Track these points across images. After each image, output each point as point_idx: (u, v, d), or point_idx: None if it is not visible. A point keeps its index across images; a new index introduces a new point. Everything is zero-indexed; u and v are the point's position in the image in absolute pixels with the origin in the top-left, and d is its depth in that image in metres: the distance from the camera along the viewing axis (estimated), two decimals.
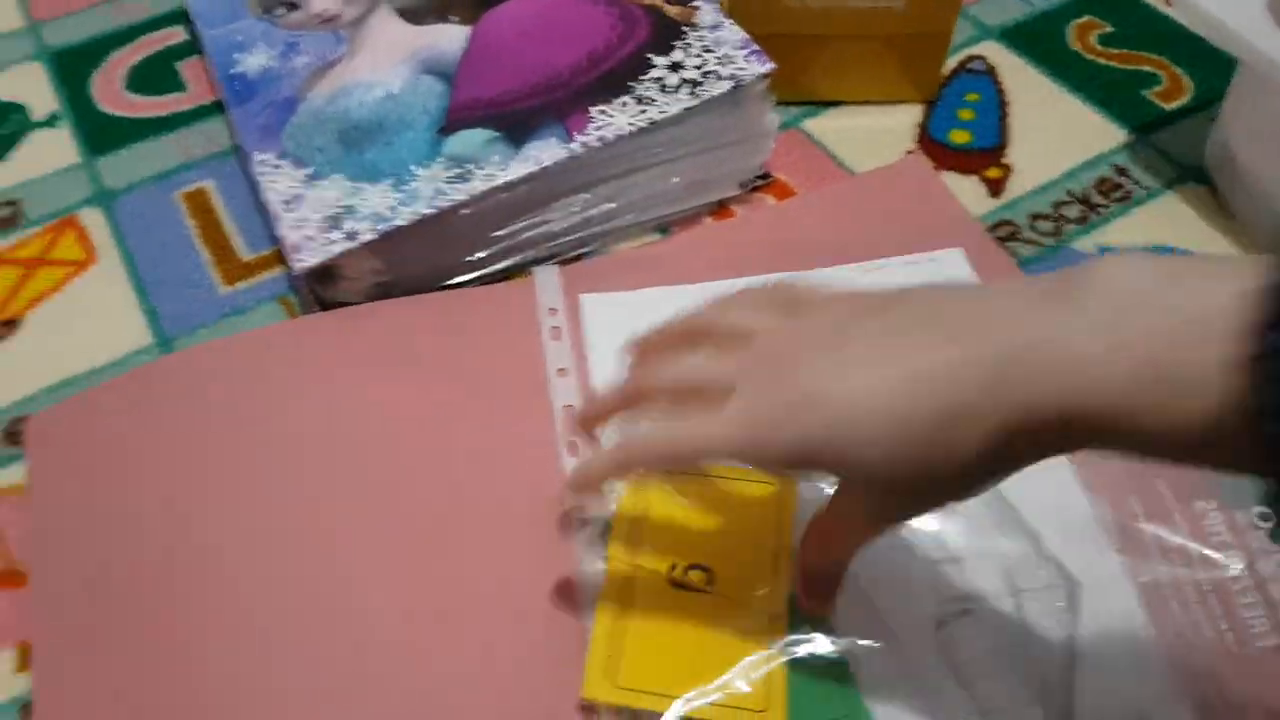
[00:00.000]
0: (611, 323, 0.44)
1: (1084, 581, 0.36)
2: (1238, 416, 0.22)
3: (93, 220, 0.51)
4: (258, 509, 0.38)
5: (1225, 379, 0.22)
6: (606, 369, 0.42)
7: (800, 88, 0.54)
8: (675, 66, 0.47)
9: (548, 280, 0.46)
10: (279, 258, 0.48)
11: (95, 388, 0.43)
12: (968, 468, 0.26)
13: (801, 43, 0.52)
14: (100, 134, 0.55)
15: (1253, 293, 0.22)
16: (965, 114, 0.55)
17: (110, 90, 0.57)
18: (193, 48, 0.59)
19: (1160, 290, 0.24)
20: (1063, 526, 0.37)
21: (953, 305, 0.28)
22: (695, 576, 0.36)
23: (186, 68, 0.58)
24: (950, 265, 0.46)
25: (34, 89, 0.57)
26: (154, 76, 0.58)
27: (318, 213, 0.43)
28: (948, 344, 0.26)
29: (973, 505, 0.30)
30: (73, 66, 0.58)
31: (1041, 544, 0.37)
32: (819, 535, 0.32)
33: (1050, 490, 0.38)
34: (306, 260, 0.42)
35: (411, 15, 0.51)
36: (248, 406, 0.41)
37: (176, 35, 0.60)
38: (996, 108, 0.56)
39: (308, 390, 0.42)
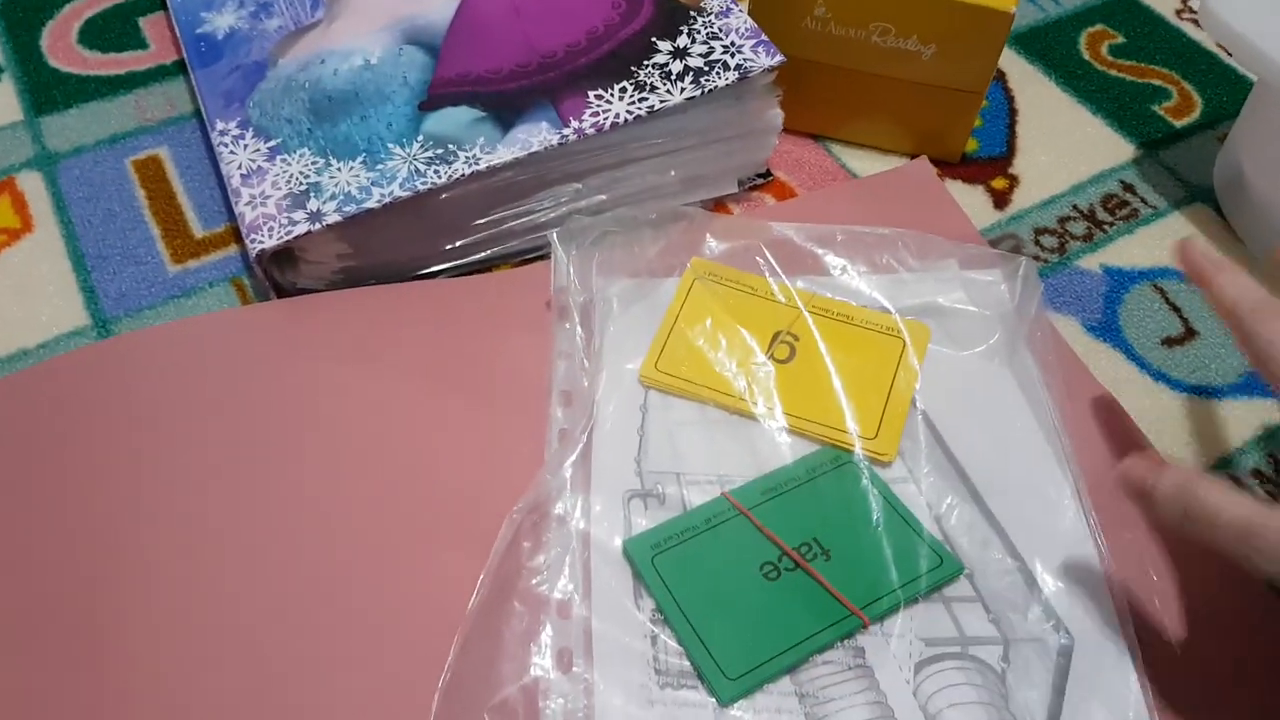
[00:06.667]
0: (629, 307, 0.41)
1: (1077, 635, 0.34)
2: None
3: (31, 184, 0.47)
4: (193, 511, 0.35)
5: None
6: (620, 354, 0.40)
7: (810, 121, 0.50)
8: (679, 53, 0.44)
9: (560, 263, 0.43)
10: (235, 236, 0.44)
11: (19, 372, 0.39)
12: None
13: (816, 71, 0.48)
14: (46, 90, 0.50)
15: None
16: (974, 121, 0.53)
17: (62, 44, 0.53)
18: (158, 2, 0.54)
19: None
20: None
21: None
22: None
23: (149, 24, 0.54)
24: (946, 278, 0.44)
25: None
26: (112, 31, 0.53)
27: (280, 189, 0.40)
28: None
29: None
30: (23, 15, 0.54)
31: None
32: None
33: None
34: (264, 241, 0.38)
35: None
36: (189, 400, 0.38)
37: None
38: (1005, 115, 0.53)
39: (256, 385, 0.38)
